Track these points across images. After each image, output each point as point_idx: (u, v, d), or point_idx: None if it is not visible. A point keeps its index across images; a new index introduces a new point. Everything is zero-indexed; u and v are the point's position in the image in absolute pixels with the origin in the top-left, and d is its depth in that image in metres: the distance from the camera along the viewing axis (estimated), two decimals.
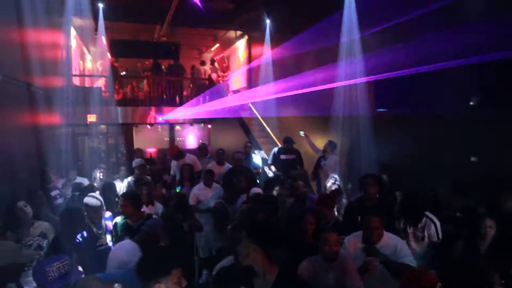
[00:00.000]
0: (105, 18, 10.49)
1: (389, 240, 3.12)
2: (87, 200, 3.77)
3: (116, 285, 2.51)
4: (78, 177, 6.52)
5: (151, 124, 14.49)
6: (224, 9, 10.18)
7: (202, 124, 15.41)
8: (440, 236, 3.73)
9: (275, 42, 9.30)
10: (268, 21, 9.19)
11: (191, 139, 16.60)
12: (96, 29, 10.81)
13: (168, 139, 15.81)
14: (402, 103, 5.66)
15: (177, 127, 15.91)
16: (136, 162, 6.44)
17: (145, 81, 12.47)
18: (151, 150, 14.21)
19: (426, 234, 3.73)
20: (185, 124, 14.83)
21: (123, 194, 4.20)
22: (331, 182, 5.56)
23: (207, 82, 13.39)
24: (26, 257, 2.55)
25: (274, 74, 9.72)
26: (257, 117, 11.39)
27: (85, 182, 6.44)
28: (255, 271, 2.24)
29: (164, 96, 12.50)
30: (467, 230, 3.63)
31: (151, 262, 2.05)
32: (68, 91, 10.44)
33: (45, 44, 8.24)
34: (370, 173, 4.41)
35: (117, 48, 10.25)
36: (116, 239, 3.85)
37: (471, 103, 4.70)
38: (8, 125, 5.65)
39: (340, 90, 6.34)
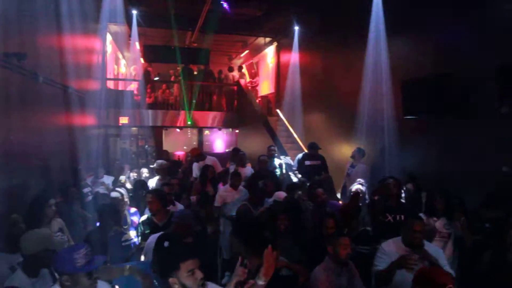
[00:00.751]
0: (138, 25, 10.89)
1: (427, 247, 3.06)
2: (112, 193, 3.99)
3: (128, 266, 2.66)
4: (105, 176, 6.76)
5: (180, 128, 14.87)
6: (254, 16, 10.31)
7: (230, 129, 15.64)
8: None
9: (303, 48, 9.33)
10: (297, 28, 9.24)
11: (219, 143, 16.85)
12: (130, 35, 11.22)
13: (196, 143, 16.17)
14: (430, 109, 5.54)
15: (206, 132, 16.24)
16: (158, 163, 6.62)
17: (175, 86, 12.80)
18: (179, 153, 14.46)
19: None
20: (214, 129, 15.10)
21: (151, 190, 4.35)
22: (356, 186, 5.52)
23: (235, 87, 13.64)
24: (58, 245, 2.69)
25: (302, 80, 9.75)
26: (284, 123, 11.45)
27: (110, 180, 6.70)
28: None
29: (194, 101, 12.78)
30: (496, 240, 3.55)
31: (159, 259, 2.13)
32: (102, 94, 10.89)
33: (81, 49, 8.64)
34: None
35: (150, 53, 10.57)
36: (142, 236, 3.98)
37: (504, 109, 4.53)
38: (46, 124, 5.96)
39: (367, 95, 6.25)
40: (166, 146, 13.62)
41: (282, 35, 11.42)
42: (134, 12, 9.52)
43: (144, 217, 4.09)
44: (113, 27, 11.69)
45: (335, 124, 8.43)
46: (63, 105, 6.72)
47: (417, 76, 5.62)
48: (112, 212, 3.39)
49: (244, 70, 16.97)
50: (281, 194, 5.44)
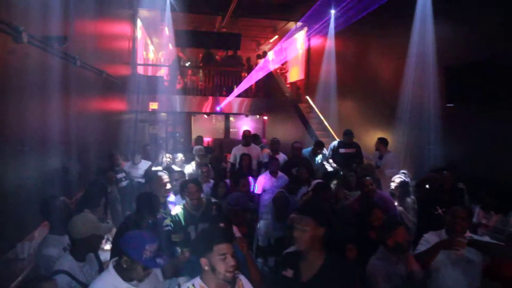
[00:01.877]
0: (171, 9, 10.83)
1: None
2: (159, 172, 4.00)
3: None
4: (142, 161, 6.79)
5: (207, 114, 14.88)
6: (285, 1, 10.07)
7: (257, 116, 15.54)
8: None
9: (339, 33, 9.03)
10: (333, 11, 8.93)
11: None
12: (162, 20, 11.18)
13: (223, 129, 16.18)
14: (474, 97, 5.24)
15: (231, 118, 16.21)
16: (196, 149, 6.62)
17: (201, 72, 12.76)
18: (207, 139, 14.50)
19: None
20: (241, 115, 15.03)
21: (192, 179, 4.27)
22: (398, 177, 5.33)
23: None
24: (104, 230, 2.68)
25: (336, 66, 9.48)
26: (314, 110, 11.24)
27: (147, 166, 6.72)
28: (301, 255, 2.36)
29: (220, 87, 12.73)
30: None
31: (197, 239, 2.24)
32: (134, 80, 10.99)
33: (114, 34, 8.67)
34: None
35: (180, 38, 10.50)
36: (179, 229, 3.78)
37: None
38: (83, 109, 6.02)
39: (408, 82, 5.97)
40: (195, 132, 13.71)
41: (314, 19, 11.10)
42: None
43: (178, 209, 3.91)
44: (143, 12, 11.70)
45: (370, 112, 8.18)
46: (98, 90, 6.77)
47: (462, 62, 5.31)
48: (148, 201, 3.33)
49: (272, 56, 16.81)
50: (317, 181, 5.35)
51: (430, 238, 3.04)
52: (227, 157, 10.24)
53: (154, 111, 11.74)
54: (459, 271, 2.83)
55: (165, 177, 4.05)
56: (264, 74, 12.18)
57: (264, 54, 14.18)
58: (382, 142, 6.55)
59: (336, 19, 8.87)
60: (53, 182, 4.23)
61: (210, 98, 12.47)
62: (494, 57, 4.75)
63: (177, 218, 3.84)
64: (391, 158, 6.43)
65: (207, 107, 12.63)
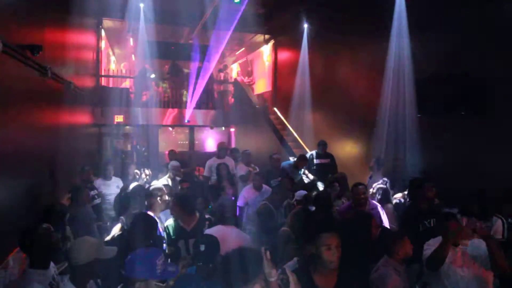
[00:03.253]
0: (135, 19, 10.56)
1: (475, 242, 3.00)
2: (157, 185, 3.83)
3: None
4: (113, 177, 6.44)
5: (172, 126, 14.56)
6: (255, 14, 10.15)
7: (223, 128, 15.45)
8: (506, 234, 3.64)
9: (309, 46, 9.21)
10: (306, 25, 9.09)
11: (210, 142, 16.61)
12: (129, 31, 10.88)
13: (187, 142, 15.89)
14: (442, 107, 5.51)
15: (199, 130, 15.98)
16: (172, 165, 6.42)
17: (167, 83, 12.50)
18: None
19: (492, 232, 3.66)
20: (206, 127, 14.86)
21: (173, 194, 4.14)
22: (379, 184, 5.46)
23: (231, 85, 13.49)
24: (108, 253, 2.47)
25: (305, 78, 9.63)
26: (282, 121, 11.33)
27: (120, 183, 6.39)
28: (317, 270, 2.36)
29: (184, 99, 12.54)
30: None
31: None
32: (98, 91, 10.55)
33: (80, 44, 8.31)
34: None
35: (149, 49, 10.24)
36: (170, 242, 3.74)
37: None
38: (51, 122, 5.68)
39: (381, 93, 6.14)
40: (160, 145, 13.36)
41: (282, 32, 11.30)
42: (141, 5, 9.10)
43: (170, 222, 3.85)
44: (107, 22, 11.32)
45: (343, 124, 8.36)
46: (66, 102, 6.41)
47: (431, 74, 5.58)
48: (148, 224, 3.14)
49: (237, 68, 16.85)
50: (302, 193, 5.36)
51: (432, 242, 3.05)
52: (198, 170, 10.07)
53: (119, 124, 11.30)
54: (467, 270, 2.89)
55: (162, 192, 3.91)
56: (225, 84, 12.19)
57: (225, 67, 14.21)
58: (378, 162, 6.34)
59: (308, 32, 9.04)
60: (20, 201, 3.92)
61: (177, 110, 12.23)
62: (456, 69, 5.05)
63: (167, 231, 3.78)
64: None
65: (173, 119, 12.37)
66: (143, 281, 2.11)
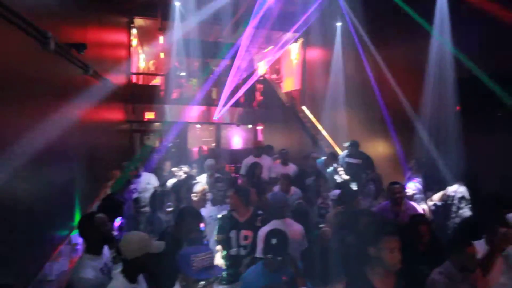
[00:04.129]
0: (165, 19, 10.70)
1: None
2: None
3: None
4: (144, 174, 6.53)
5: (200, 124, 14.68)
6: (285, 12, 10.12)
7: (249, 126, 15.48)
8: None
9: (343, 46, 9.09)
10: (339, 24, 8.98)
11: (236, 139, 16.67)
12: (160, 29, 11.03)
13: (213, 138, 16.00)
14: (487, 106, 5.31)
15: (225, 128, 16.06)
16: (208, 162, 6.48)
17: (195, 80, 12.59)
18: (196, 149, 14.27)
19: None
20: (232, 125, 14.92)
21: (236, 188, 4.27)
22: (412, 188, 5.35)
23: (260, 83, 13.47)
24: (157, 248, 2.53)
25: (336, 76, 9.51)
26: (310, 120, 11.24)
27: (152, 179, 6.50)
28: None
29: (213, 97, 12.62)
30: None
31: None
32: (129, 89, 10.76)
33: (114, 42, 8.48)
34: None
35: (181, 47, 10.34)
36: (220, 230, 3.94)
37: None
38: (94, 119, 5.82)
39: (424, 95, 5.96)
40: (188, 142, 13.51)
41: (311, 31, 11.18)
42: (177, 3, 9.17)
43: (224, 212, 4.06)
44: (138, 21, 11.52)
45: (374, 121, 8.22)
46: (103, 99, 6.56)
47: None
48: (193, 216, 3.22)
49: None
50: (336, 192, 5.31)
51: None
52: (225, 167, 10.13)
53: (149, 120, 11.49)
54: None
55: (203, 189, 4.01)
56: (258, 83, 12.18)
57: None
58: (418, 163, 6.19)
59: (342, 31, 8.92)
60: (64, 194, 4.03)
61: (204, 107, 12.32)
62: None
63: (221, 221, 4.00)
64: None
65: (202, 117, 12.47)
66: (182, 275, 2.19)
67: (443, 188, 5.35)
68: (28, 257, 3.01)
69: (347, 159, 7.40)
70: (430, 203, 5.52)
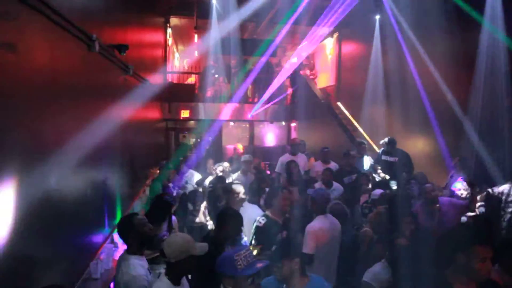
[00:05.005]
0: (200, 17, 10.76)
1: None
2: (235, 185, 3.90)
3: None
4: (188, 170, 6.64)
5: (235, 121, 14.74)
6: (319, 6, 9.91)
7: (283, 122, 15.37)
8: None
9: (380, 39, 8.78)
10: (377, 17, 8.69)
11: (270, 136, 16.61)
12: (195, 27, 11.11)
13: (247, 136, 16.01)
14: None
15: (259, 125, 16.03)
16: (245, 157, 6.47)
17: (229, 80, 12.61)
18: (230, 147, 14.34)
19: None
20: (266, 122, 14.86)
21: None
22: (460, 187, 5.08)
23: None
24: (201, 249, 2.51)
25: (373, 70, 9.22)
26: (346, 116, 10.98)
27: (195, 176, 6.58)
28: None
29: (248, 94, 12.60)
30: None
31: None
32: (165, 87, 10.91)
33: (151, 42, 8.60)
34: None
35: (219, 45, 10.36)
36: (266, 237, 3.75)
37: None
38: (134, 119, 5.92)
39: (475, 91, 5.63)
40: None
41: (348, 25, 10.90)
42: (214, 1, 9.20)
43: (263, 218, 3.87)
44: (173, 20, 11.67)
45: (414, 118, 7.88)
46: (142, 98, 6.67)
47: None
48: (236, 219, 3.20)
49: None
50: (378, 192, 5.15)
51: None
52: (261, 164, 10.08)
53: (185, 119, 11.64)
54: None
55: (242, 189, 3.94)
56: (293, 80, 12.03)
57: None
58: (462, 163, 5.88)
59: (380, 24, 8.62)
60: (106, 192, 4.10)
61: (238, 105, 12.31)
62: None
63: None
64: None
65: (236, 114, 12.48)
66: (229, 278, 2.17)
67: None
68: (75, 256, 3.07)
69: (383, 157, 7.14)
70: (477, 204, 5.24)
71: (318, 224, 3.75)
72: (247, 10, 8.67)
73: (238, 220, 3.15)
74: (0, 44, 1.95)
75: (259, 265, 2.24)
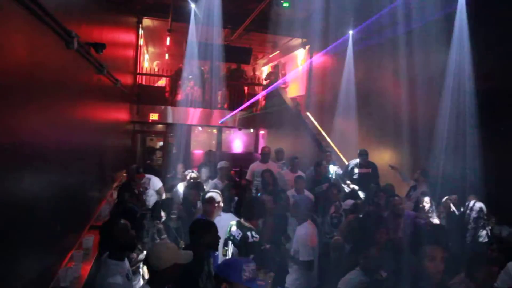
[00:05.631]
0: (175, 20, 10.62)
1: None
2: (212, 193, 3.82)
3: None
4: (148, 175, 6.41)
5: (203, 126, 14.60)
6: (294, 18, 10.08)
7: (251, 130, 15.42)
8: None
9: (352, 52, 9.04)
10: (351, 32, 8.93)
11: (238, 143, 16.59)
12: (169, 30, 10.95)
13: (215, 142, 15.90)
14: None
15: (227, 131, 15.97)
16: (221, 164, 6.41)
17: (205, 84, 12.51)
18: (198, 152, 14.18)
19: None
20: (234, 129, 14.84)
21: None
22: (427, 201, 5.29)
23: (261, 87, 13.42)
24: (186, 258, 2.45)
25: (341, 83, 9.46)
26: (315, 126, 11.17)
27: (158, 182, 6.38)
28: None
29: (218, 100, 12.55)
30: None
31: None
32: (135, 89, 10.67)
33: (123, 42, 8.39)
34: None
35: (194, 50, 10.23)
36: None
37: None
38: (104, 120, 5.73)
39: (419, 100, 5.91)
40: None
41: (319, 37, 11.16)
42: (193, 5, 9.07)
43: (233, 223, 3.83)
44: (146, 21, 11.45)
45: (379, 130, 8.18)
46: (113, 99, 6.48)
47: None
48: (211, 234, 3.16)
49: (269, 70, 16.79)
50: (350, 202, 5.27)
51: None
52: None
53: (153, 122, 11.40)
54: None
55: (219, 198, 3.87)
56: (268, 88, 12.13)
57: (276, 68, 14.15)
58: (424, 174, 6.17)
59: (353, 39, 8.87)
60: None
61: (208, 110, 12.22)
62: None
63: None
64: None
65: (205, 119, 12.38)
66: (227, 283, 2.16)
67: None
68: (44, 264, 2.91)
69: (357, 170, 7.30)
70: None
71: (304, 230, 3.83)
72: (220, 16, 8.66)
73: (215, 230, 3.08)
74: None
75: (260, 283, 2.31)
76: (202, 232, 2.99)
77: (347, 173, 7.25)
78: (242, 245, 3.50)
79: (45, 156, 2.89)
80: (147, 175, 6.28)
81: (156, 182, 6.31)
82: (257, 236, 3.54)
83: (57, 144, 3.25)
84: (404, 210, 4.94)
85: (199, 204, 4.76)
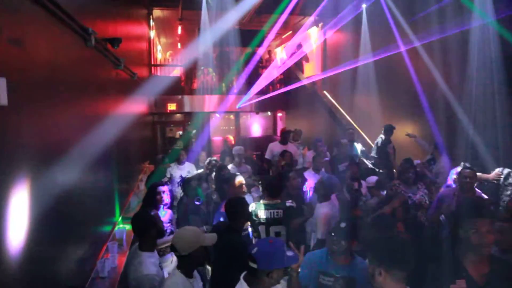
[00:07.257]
0: (185, 8, 10.56)
1: None
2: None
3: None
4: (186, 162, 6.60)
5: (221, 113, 14.63)
6: None
7: (268, 112, 15.36)
8: None
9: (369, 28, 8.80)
10: (364, 6, 8.68)
11: (256, 127, 16.58)
12: (180, 19, 10.92)
13: (233, 127, 15.94)
14: None
15: (244, 116, 15.96)
16: (236, 149, 6.46)
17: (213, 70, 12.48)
18: (217, 139, 14.26)
19: None
20: (251, 113, 14.82)
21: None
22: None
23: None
24: (210, 240, 2.50)
25: (358, 59, 9.27)
26: (335, 105, 11.04)
27: (192, 168, 6.53)
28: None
29: (234, 85, 12.51)
30: None
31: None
32: (150, 81, 10.73)
33: (136, 35, 8.42)
34: None
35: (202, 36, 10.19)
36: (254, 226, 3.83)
37: None
38: (125, 112, 5.81)
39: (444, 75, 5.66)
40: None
41: (332, 13, 10.92)
42: None
43: (253, 206, 3.89)
44: (156, 12, 11.43)
45: (401, 106, 7.99)
46: (131, 92, 6.54)
47: None
48: (243, 207, 3.23)
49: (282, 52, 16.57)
50: (373, 178, 5.21)
51: None
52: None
53: (171, 112, 11.50)
54: None
55: (242, 179, 3.96)
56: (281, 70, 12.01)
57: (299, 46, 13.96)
58: (437, 148, 6.12)
59: (368, 13, 8.62)
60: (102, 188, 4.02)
61: (224, 96, 12.21)
62: None
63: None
64: (447, 162, 5.91)
65: (222, 106, 12.39)
66: (275, 270, 2.18)
67: None
68: (84, 255, 3.02)
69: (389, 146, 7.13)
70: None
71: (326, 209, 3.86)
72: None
73: (247, 207, 3.21)
74: (7, 39, 1.86)
75: (291, 254, 2.30)
76: (236, 209, 3.11)
77: (376, 150, 7.07)
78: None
79: (74, 153, 2.96)
80: (187, 163, 6.53)
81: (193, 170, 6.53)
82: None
83: (84, 140, 3.32)
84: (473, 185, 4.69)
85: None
